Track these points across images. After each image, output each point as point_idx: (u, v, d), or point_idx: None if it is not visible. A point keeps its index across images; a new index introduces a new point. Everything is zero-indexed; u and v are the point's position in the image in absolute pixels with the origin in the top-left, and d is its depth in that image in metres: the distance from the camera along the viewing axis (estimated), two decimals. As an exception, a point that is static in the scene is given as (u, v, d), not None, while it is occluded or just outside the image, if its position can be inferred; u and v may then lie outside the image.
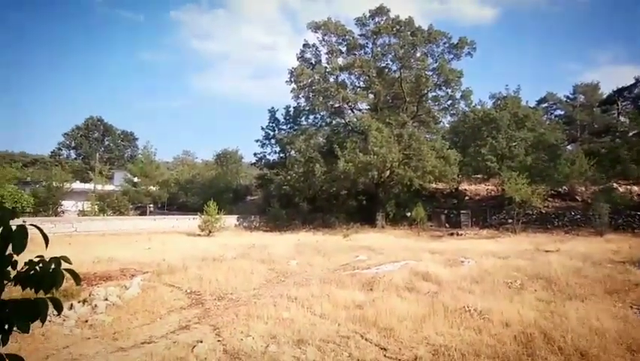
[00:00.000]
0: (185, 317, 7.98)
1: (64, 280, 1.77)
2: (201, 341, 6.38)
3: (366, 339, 6.42)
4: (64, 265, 1.77)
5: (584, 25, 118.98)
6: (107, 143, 71.18)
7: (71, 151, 69.74)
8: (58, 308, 1.81)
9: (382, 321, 7.07)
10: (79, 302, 8.56)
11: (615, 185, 30.84)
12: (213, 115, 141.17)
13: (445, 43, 33.09)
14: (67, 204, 36.07)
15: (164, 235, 25.77)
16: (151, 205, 42.10)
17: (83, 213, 34.28)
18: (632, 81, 46.93)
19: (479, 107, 34.38)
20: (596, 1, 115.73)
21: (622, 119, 48.51)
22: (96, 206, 34.14)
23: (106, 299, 8.79)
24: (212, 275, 11.46)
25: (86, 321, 7.65)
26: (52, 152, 67.98)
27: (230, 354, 5.89)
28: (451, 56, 33.18)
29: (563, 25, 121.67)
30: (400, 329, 6.73)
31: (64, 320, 7.58)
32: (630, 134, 41.73)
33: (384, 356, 5.81)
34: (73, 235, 23.83)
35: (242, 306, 8.66)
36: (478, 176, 36.04)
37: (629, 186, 30.97)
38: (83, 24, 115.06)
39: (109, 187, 42.94)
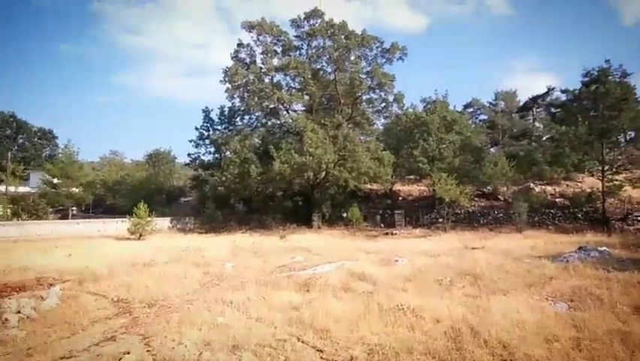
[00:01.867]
0: (110, 328, 7.47)
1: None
2: (128, 353, 6.02)
3: (302, 341, 6.38)
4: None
5: (505, 36, 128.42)
6: (20, 141, 65.24)
7: (-23, 149, 63.17)
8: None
9: (319, 322, 7.07)
10: (-14, 317, 7.73)
11: (532, 185, 33.40)
12: (143, 113, 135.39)
13: (377, 48, 33.92)
14: (-28, 208, 32.72)
15: (89, 239, 24.19)
16: (74, 208, 39.27)
17: (-8, 217, 31.21)
18: (545, 90, 51.26)
19: (411, 110, 35.60)
20: (514, 16, 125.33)
21: (537, 124, 52.79)
22: (8, 210, 31.21)
23: (19, 312, 8.01)
24: (142, 281, 10.92)
25: (-5, 337, 6.92)
26: (-46, 150, 61.08)
27: (160, 365, 5.58)
28: (384, 60, 34.10)
29: (486, 36, 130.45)
30: (336, 329, 6.77)
31: (-32, 338, 6.81)
32: (544, 138, 45.47)
33: (321, 358, 5.81)
34: (-19, 241, 21.63)
35: (174, 313, 8.28)
36: (411, 177, 37.31)
37: (543, 186, 33.71)
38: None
39: (24, 189, 39.50)
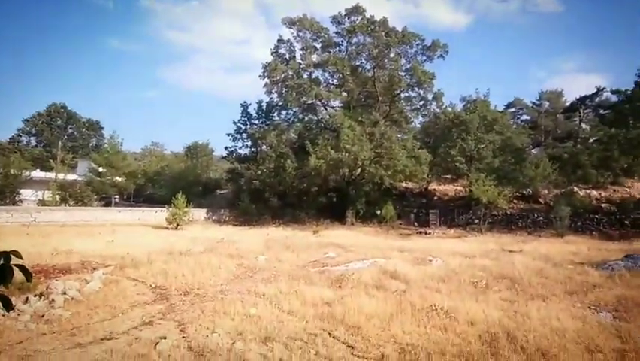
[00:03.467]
0: (148, 313, 7.73)
1: (19, 274, 1.64)
2: (165, 338, 6.19)
3: (333, 337, 6.39)
4: (14, 260, 1.63)
5: (551, 34, 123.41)
6: (70, 131, 68.25)
7: (32, 138, 66.57)
8: (7, 306, 1.67)
9: (350, 319, 7.06)
10: (35, 296, 8.16)
11: (576, 189, 32.04)
12: (184, 107, 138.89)
13: (418, 45, 33.49)
14: (26, 193, 34.59)
15: (130, 227, 25.06)
16: (116, 196, 40.84)
17: (42, 202, 32.89)
18: (594, 90, 48.81)
19: (450, 109, 34.99)
20: (561, 13, 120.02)
21: (583, 126, 50.44)
22: (57, 195, 32.80)
23: (64, 293, 8.42)
24: (179, 270, 11.21)
25: (42, 316, 7.30)
26: (10, 138, 64.57)
27: (194, 351, 5.72)
28: (424, 57, 33.66)
29: (532, 34, 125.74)
30: (367, 327, 6.73)
31: (18, 315, 7.23)
32: (591, 140, 43.47)
33: (352, 354, 5.79)
34: (31, 225, 22.86)
35: (208, 302, 8.48)
36: (448, 176, 36.72)
37: (588, 191, 32.27)
38: (48, 7, 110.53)
39: (72, 177, 41.38)
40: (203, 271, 11.41)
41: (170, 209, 26.63)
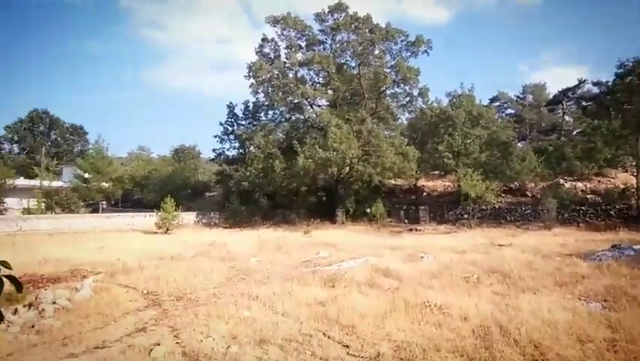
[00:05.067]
0: (141, 319, 7.65)
1: (8, 285, 1.61)
2: (159, 344, 6.13)
3: (328, 337, 6.39)
4: (3, 270, 1.60)
5: (532, 27, 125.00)
6: (53, 137, 67.29)
7: (14, 145, 65.56)
8: (-2, 318, 1.64)
9: (344, 318, 7.06)
10: (24, 306, 8.02)
11: (562, 181, 32.52)
12: (169, 109, 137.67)
13: (402, 41, 33.59)
14: (10, 202, 34.00)
15: (119, 233, 24.82)
16: (104, 202, 40.38)
17: (27, 211, 32.39)
18: (576, 82, 49.64)
19: (436, 104, 35.17)
20: (541, 6, 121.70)
21: (567, 118, 51.28)
22: (43, 203, 32.33)
23: (54, 302, 8.27)
24: (170, 275, 11.12)
25: (33, 326, 7.17)
26: (-8, 146, 63.53)
27: (189, 356, 5.68)
28: (409, 53, 33.77)
29: (513, 28, 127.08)
30: (362, 325, 6.74)
31: (8, 326, 7.09)
32: (574, 133, 44.20)
33: (347, 353, 5.79)
34: (17, 234, 22.53)
35: (201, 306, 8.42)
36: (436, 172, 36.93)
37: (573, 183, 32.77)
38: (24, 10, 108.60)
39: (57, 183, 40.78)
40: (195, 275, 11.33)
41: (160, 213, 26.42)
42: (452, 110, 32.79)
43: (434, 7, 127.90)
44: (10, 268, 1.66)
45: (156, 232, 25.66)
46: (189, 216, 31.54)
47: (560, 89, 51.32)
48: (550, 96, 54.10)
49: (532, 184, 33.12)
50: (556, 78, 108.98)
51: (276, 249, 17.50)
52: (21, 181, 39.59)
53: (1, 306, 7.42)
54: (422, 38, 33.09)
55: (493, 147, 33.47)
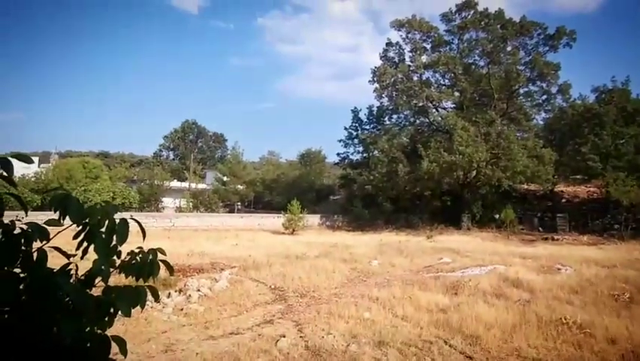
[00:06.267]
0: (269, 312, 8.26)
1: (163, 271, 1.91)
2: (284, 336, 6.55)
3: (450, 345, 6.16)
4: (160, 256, 1.90)
5: None
6: (200, 144, 76.36)
7: (170, 152, 75.99)
8: (156, 296, 1.95)
9: (468, 328, 6.74)
10: (175, 291, 9.31)
11: None
12: (297, 116, 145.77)
13: (539, 35, 30.87)
14: (166, 201, 39.29)
15: (250, 232, 26.97)
16: (238, 203, 44.27)
17: (179, 209, 37.09)
18: None
19: (579, 101, 31.47)
20: None
21: None
22: (190, 203, 36.73)
23: (198, 290, 9.40)
24: (295, 273, 11.75)
25: (182, 309, 8.24)
26: (154, 153, 74.89)
27: (311, 351, 5.97)
28: (547, 48, 30.95)
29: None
30: (487, 337, 6.36)
31: (163, 307, 8.25)
32: None
33: (470, 364, 5.53)
34: (171, 229, 25.91)
35: (323, 304, 8.76)
36: (577, 177, 32.98)
37: None
38: (179, 35, 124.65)
39: (201, 186, 45.96)
40: (318, 274, 11.80)
41: (286, 215, 28.05)
42: (600, 107, 28.97)
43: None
44: (165, 255, 1.95)
45: (283, 233, 27.25)
46: (314, 219, 32.88)
47: None
48: None
49: None
50: None
51: (397, 253, 17.35)
52: (175, 183, 45.45)
53: (158, 289, 8.71)
54: (564, 29, 29.95)
55: (654, 148, 28.66)
